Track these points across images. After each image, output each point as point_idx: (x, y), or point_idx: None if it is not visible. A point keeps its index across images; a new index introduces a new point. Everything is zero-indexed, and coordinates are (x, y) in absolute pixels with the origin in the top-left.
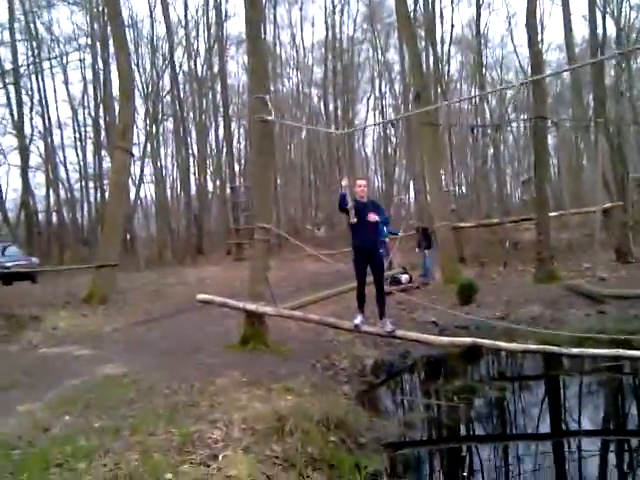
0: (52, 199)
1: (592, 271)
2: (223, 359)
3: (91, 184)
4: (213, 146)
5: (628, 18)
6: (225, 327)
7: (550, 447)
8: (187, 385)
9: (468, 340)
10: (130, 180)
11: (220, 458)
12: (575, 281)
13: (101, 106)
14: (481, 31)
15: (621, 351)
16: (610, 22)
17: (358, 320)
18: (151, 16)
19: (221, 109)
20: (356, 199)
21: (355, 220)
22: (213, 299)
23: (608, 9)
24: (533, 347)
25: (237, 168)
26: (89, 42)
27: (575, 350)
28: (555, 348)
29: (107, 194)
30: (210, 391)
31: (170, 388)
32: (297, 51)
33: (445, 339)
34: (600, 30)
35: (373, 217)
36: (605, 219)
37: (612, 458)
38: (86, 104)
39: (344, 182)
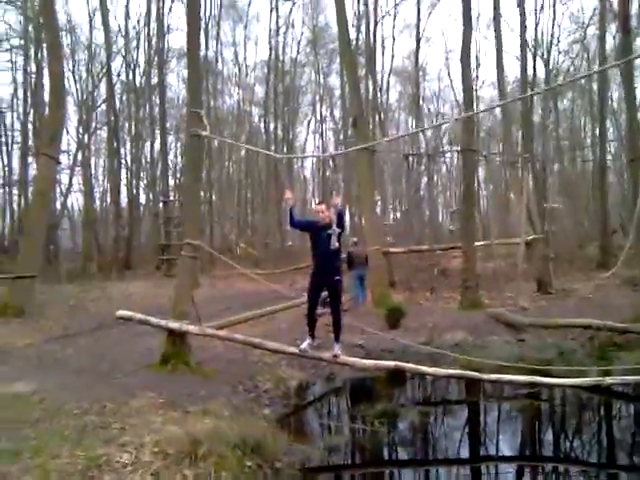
0: None
1: (514, 300)
2: (140, 379)
3: (15, 190)
4: (148, 158)
5: (556, 61)
6: (146, 345)
7: (469, 472)
8: (99, 405)
9: (391, 363)
10: (57, 189)
11: None
12: (498, 309)
13: (31, 110)
14: (420, 64)
15: (536, 378)
16: (540, 64)
17: (305, 344)
18: (90, 23)
19: (158, 121)
20: (317, 221)
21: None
22: (134, 316)
23: (539, 52)
24: (453, 372)
25: (172, 182)
26: (22, 43)
27: (493, 376)
28: (475, 374)
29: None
30: (123, 412)
31: (80, 408)
32: (239, 69)
33: (369, 362)
34: (530, 71)
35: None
36: (528, 251)
37: None
38: (15, 107)
39: (287, 195)
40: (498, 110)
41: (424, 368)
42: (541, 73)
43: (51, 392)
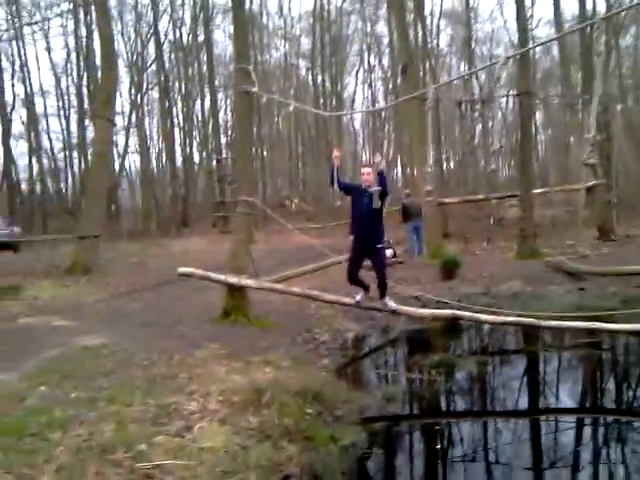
0: (35, 168)
1: (574, 248)
2: (203, 331)
3: (75, 153)
4: (199, 117)
5: None
6: (207, 300)
7: (528, 423)
8: (166, 357)
9: (448, 312)
10: (115, 150)
11: (195, 429)
12: (557, 258)
13: (84, 74)
14: (471, 5)
15: (596, 324)
16: None
17: (360, 296)
18: None
19: (207, 79)
20: (360, 185)
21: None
22: (194, 272)
23: None
24: (511, 319)
25: (224, 140)
26: (71, 8)
27: (552, 322)
28: (533, 320)
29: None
30: (189, 363)
31: (149, 359)
32: (285, 21)
33: (426, 311)
34: (590, 6)
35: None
36: (589, 197)
37: (588, 435)
38: (69, 72)
39: (335, 153)
40: (556, 51)
41: (482, 316)
42: (602, 8)
43: (120, 344)
